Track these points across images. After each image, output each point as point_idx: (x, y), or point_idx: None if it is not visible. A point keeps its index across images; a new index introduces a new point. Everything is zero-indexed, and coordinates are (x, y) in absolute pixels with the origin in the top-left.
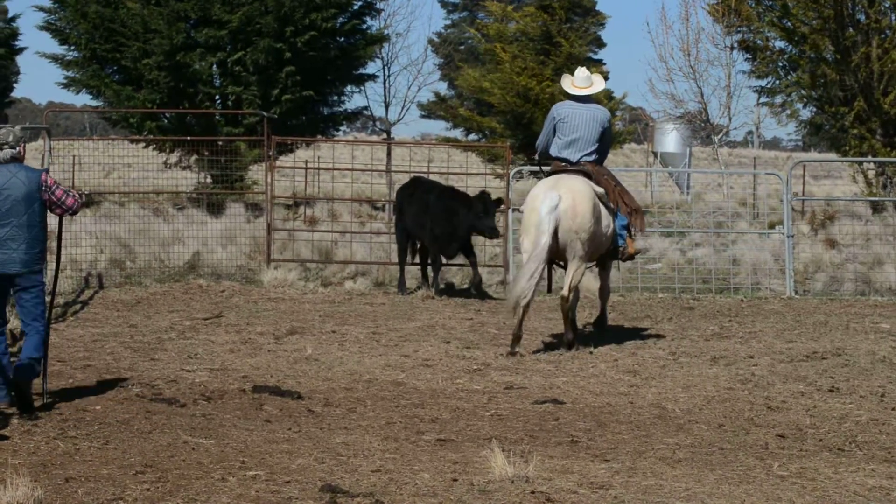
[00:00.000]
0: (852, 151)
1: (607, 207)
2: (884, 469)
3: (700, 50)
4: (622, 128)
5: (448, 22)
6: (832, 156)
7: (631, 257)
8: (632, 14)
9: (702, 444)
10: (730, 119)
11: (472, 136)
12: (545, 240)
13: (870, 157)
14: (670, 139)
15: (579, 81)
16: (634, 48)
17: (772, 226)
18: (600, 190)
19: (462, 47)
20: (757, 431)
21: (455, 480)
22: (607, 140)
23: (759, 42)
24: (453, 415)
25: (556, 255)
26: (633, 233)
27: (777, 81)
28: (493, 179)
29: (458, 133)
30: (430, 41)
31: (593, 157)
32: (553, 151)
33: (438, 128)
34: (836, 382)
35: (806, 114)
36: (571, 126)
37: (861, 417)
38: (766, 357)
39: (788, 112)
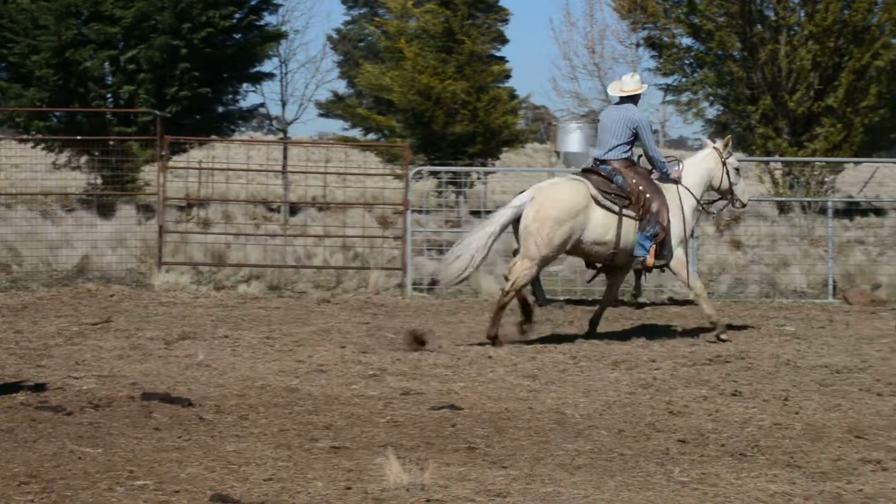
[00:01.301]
0: (759, 151)
1: (608, 210)
2: (786, 474)
3: (605, 47)
4: (525, 126)
5: (347, 18)
6: (738, 155)
7: (649, 269)
8: (535, 11)
9: (602, 450)
10: None
11: (371, 136)
12: (490, 228)
13: (776, 157)
14: (574, 138)
15: (624, 85)
16: (538, 46)
17: None
18: (593, 191)
19: (362, 44)
20: (658, 437)
21: (349, 489)
22: (645, 139)
23: (665, 39)
24: (348, 421)
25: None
26: (665, 244)
27: (683, 79)
28: (391, 180)
29: (356, 132)
30: (329, 38)
31: (623, 155)
32: (594, 152)
33: (336, 127)
34: (739, 386)
35: (712, 112)
36: (602, 127)
37: (764, 422)
38: (668, 361)
39: (694, 110)
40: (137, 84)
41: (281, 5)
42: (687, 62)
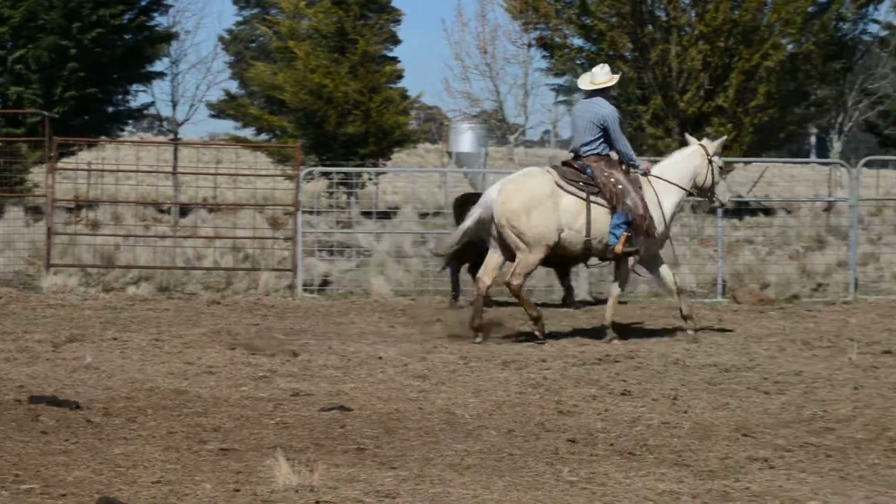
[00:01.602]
0: (649, 151)
1: (575, 196)
2: (674, 473)
3: (497, 48)
4: (417, 127)
5: (239, 19)
6: None
7: (618, 257)
8: (428, 11)
9: (491, 450)
10: (526, 118)
11: (263, 136)
12: (466, 224)
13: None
14: (465, 139)
15: (595, 77)
16: (430, 46)
17: None
18: (559, 180)
19: (254, 45)
20: (547, 436)
21: (238, 491)
22: (613, 134)
23: (556, 39)
24: (237, 423)
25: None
26: (634, 237)
27: (575, 79)
28: (282, 181)
29: (248, 133)
30: (221, 38)
31: (594, 150)
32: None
33: (228, 127)
34: (628, 385)
35: None
36: (573, 122)
37: (653, 421)
38: (558, 360)
39: None
40: (25, 84)
41: (171, 6)
42: (578, 63)
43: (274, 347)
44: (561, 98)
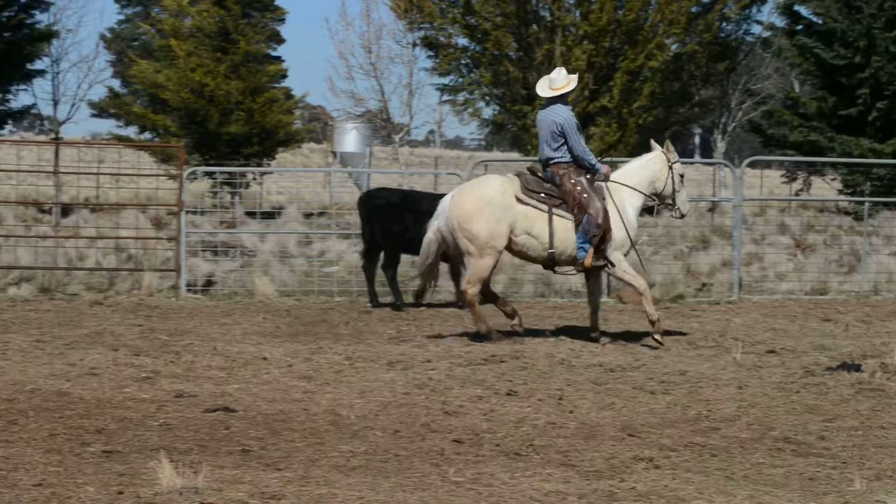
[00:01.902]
0: (534, 151)
1: (534, 208)
2: (560, 473)
3: (381, 47)
4: (301, 127)
5: (121, 17)
6: (514, 155)
7: (584, 270)
8: (312, 10)
9: (377, 450)
10: (411, 118)
11: (147, 135)
12: (429, 235)
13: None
14: (350, 139)
15: (553, 83)
16: (315, 45)
17: None
18: (518, 191)
19: (136, 43)
20: (433, 437)
21: (121, 493)
22: (569, 140)
23: (441, 39)
24: (120, 425)
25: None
26: (605, 243)
27: (460, 79)
28: (165, 180)
29: (131, 132)
30: (103, 37)
31: (562, 159)
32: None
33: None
34: (514, 386)
35: (488, 112)
36: (538, 131)
37: (538, 421)
38: (443, 361)
39: (471, 110)
40: None
41: (52, 4)
42: (463, 62)
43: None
44: (445, 98)
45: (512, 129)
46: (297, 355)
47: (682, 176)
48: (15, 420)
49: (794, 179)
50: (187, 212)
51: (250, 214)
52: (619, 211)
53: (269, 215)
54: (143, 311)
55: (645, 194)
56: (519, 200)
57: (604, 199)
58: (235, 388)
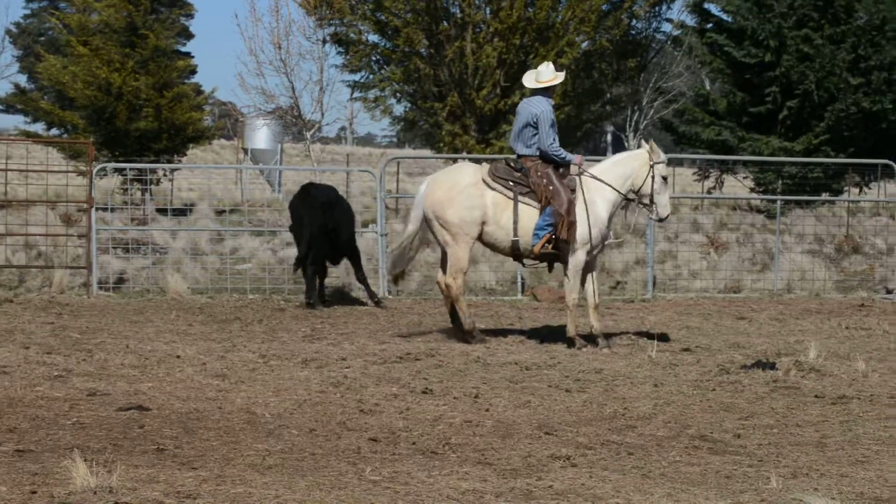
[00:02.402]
0: (447, 148)
1: (502, 195)
2: (477, 471)
3: (291, 43)
4: (212, 124)
5: (27, 11)
6: (426, 152)
7: (538, 257)
8: (221, 5)
9: (293, 449)
10: (322, 114)
11: (55, 132)
12: (410, 228)
13: (464, 154)
14: (261, 135)
15: (540, 76)
16: (224, 41)
17: (365, 224)
18: (485, 175)
19: (43, 38)
20: (349, 435)
21: (34, 493)
22: (541, 132)
23: (352, 35)
24: (32, 424)
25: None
26: (556, 237)
27: (370, 76)
28: (75, 177)
29: (38, 128)
30: (8, 31)
31: (530, 153)
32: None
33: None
34: (429, 384)
35: (400, 109)
36: (516, 121)
37: (455, 419)
38: (358, 359)
39: (382, 107)
40: None
41: None
42: (374, 59)
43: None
44: (357, 94)
45: (423, 125)
46: (211, 353)
47: (664, 178)
48: None
49: (707, 177)
50: (97, 208)
51: (161, 211)
52: (586, 206)
53: (181, 212)
54: (55, 309)
55: (619, 192)
56: (486, 185)
57: (573, 192)
58: (149, 386)
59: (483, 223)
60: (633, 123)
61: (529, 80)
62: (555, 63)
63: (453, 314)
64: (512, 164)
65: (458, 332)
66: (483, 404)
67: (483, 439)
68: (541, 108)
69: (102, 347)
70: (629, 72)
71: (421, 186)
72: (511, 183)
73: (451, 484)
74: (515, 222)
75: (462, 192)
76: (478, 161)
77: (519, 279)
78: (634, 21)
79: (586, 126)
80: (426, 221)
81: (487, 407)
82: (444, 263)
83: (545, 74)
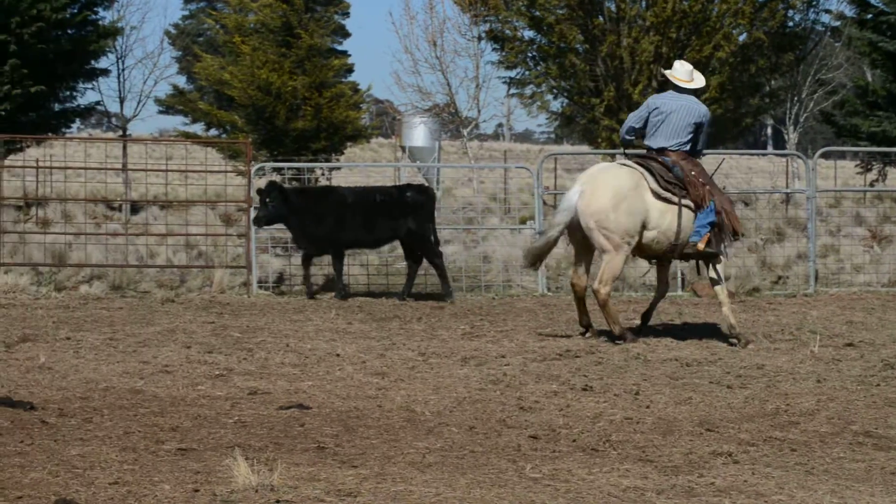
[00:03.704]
0: (604, 143)
1: (666, 201)
2: (638, 469)
3: (446, 40)
4: (368, 122)
5: (185, 13)
6: (584, 148)
7: (700, 255)
8: (376, 3)
9: (452, 447)
10: (479, 111)
11: (214, 132)
12: (554, 233)
13: (622, 150)
14: (418, 133)
15: (682, 74)
16: (379, 38)
17: (523, 221)
18: (659, 180)
19: (200, 39)
20: (509, 433)
21: (197, 491)
22: (702, 135)
23: (507, 32)
24: (195, 423)
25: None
26: (723, 235)
27: (526, 72)
28: (234, 177)
29: (198, 128)
30: (167, 33)
31: (682, 148)
32: (647, 140)
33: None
34: (589, 381)
35: (557, 105)
36: (664, 116)
37: (615, 416)
38: (518, 356)
39: (539, 104)
40: None
41: (116, 0)
42: (530, 55)
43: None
44: (513, 91)
45: (581, 121)
46: (371, 351)
47: None
48: (90, 418)
49: (869, 170)
50: (256, 208)
51: None
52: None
53: None
54: (215, 309)
55: None
56: (654, 194)
57: (720, 189)
58: (309, 384)
59: (644, 228)
60: (792, 116)
61: (684, 76)
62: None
63: (581, 309)
64: (661, 162)
65: (583, 326)
66: (643, 401)
67: (644, 436)
68: (705, 109)
69: (263, 346)
70: (787, 64)
71: (572, 193)
72: (674, 186)
73: (612, 481)
74: (679, 227)
75: (626, 198)
76: (638, 156)
77: (679, 275)
78: (791, 12)
79: (745, 121)
80: (585, 230)
81: (648, 403)
82: (579, 262)
83: (699, 81)
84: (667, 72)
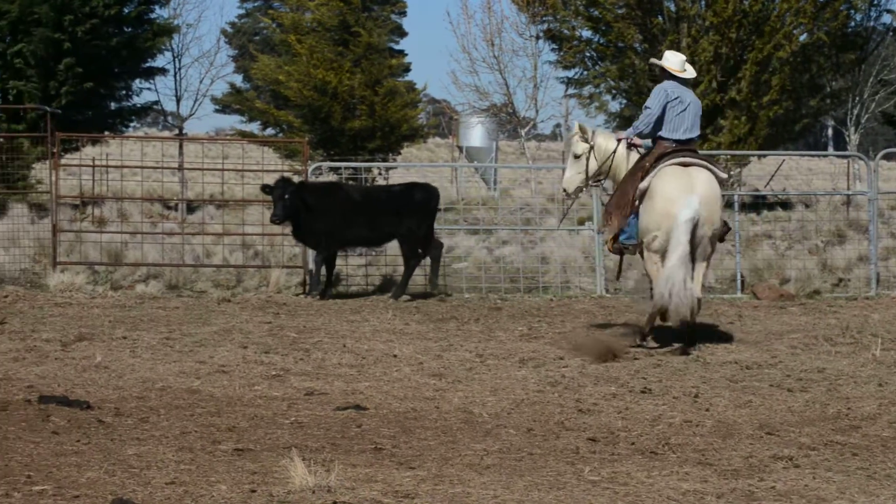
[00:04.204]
0: None
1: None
2: (697, 472)
3: (504, 40)
4: (425, 121)
5: (241, 11)
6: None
7: (722, 239)
8: (433, 2)
9: (510, 449)
10: (537, 111)
11: (270, 131)
12: (682, 251)
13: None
14: (476, 133)
15: (677, 65)
16: (436, 38)
17: (581, 222)
18: (723, 175)
19: (257, 38)
20: (567, 435)
21: (254, 491)
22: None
23: (565, 31)
24: (251, 423)
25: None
26: None
27: (585, 72)
28: (291, 176)
29: (254, 127)
30: (223, 31)
31: (697, 140)
32: (665, 132)
33: (233, 122)
34: (648, 383)
35: (615, 105)
36: (684, 106)
37: (674, 419)
38: (576, 358)
39: (597, 104)
40: (24, 79)
41: None
42: (588, 55)
43: None
44: (571, 91)
45: None
46: (428, 352)
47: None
48: (146, 418)
49: None
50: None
51: None
52: None
53: None
54: (272, 308)
55: None
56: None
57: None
58: (366, 385)
59: None
60: (853, 117)
61: (683, 68)
62: (772, 57)
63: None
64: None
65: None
66: (703, 404)
67: (703, 439)
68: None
69: (319, 347)
70: (848, 64)
71: (690, 202)
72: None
73: (672, 484)
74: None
75: (720, 200)
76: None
77: (738, 277)
78: (852, 12)
79: (805, 121)
80: (700, 238)
81: (707, 406)
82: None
83: (690, 69)
84: (662, 62)
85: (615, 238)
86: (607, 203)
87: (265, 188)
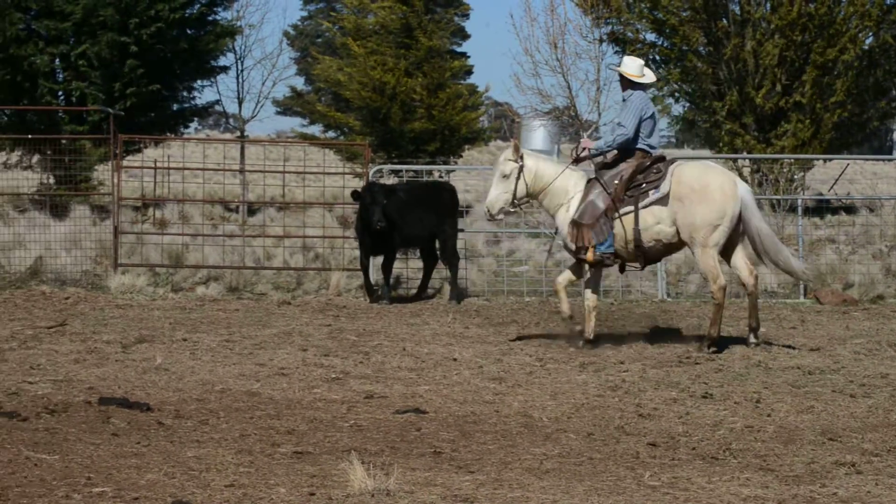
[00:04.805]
0: (726, 148)
1: None
2: (759, 478)
3: (567, 43)
4: (486, 124)
5: (304, 14)
6: (705, 153)
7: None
8: (496, 5)
9: (570, 453)
10: (599, 115)
11: (331, 133)
12: (760, 215)
13: (744, 154)
14: (538, 136)
15: (636, 70)
16: (499, 40)
17: None
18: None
19: (319, 40)
20: (627, 440)
21: (313, 494)
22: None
23: (629, 34)
24: (311, 426)
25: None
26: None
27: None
28: (351, 179)
29: (315, 129)
30: (286, 34)
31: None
32: (641, 143)
33: (294, 124)
34: (709, 388)
35: (678, 109)
36: (649, 114)
37: (735, 424)
38: (636, 363)
39: (660, 107)
40: (88, 81)
41: (235, 0)
42: (651, 58)
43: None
44: None
45: (702, 125)
46: (488, 356)
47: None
48: (206, 420)
49: None
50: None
51: None
52: None
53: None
54: (332, 311)
55: None
56: None
57: None
58: (426, 389)
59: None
60: None
61: (640, 70)
62: (837, 60)
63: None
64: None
65: None
66: (764, 409)
67: (764, 445)
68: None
69: (379, 350)
70: None
71: (739, 188)
72: None
73: (732, 490)
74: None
75: None
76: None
77: (801, 282)
78: None
79: (871, 124)
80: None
81: (769, 412)
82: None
83: (649, 73)
84: (620, 69)
85: (592, 249)
86: (575, 219)
87: (355, 195)
